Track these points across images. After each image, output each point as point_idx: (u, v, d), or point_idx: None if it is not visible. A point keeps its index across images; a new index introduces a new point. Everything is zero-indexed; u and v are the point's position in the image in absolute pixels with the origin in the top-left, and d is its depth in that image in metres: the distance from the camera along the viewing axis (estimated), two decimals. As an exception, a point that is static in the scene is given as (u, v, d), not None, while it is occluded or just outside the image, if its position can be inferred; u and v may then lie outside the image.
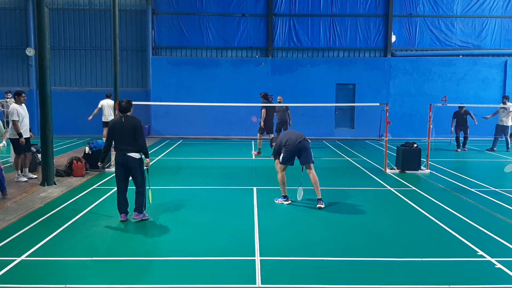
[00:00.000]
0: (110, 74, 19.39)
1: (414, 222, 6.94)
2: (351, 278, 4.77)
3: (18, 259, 5.19)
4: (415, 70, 20.08)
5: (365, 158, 13.47)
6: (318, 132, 18.51)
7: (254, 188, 9.07)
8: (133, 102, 13.27)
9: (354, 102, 19.79)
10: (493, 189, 9.20)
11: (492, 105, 16.45)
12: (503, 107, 14.75)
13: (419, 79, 20.11)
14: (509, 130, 15.05)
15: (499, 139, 15.32)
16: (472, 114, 15.44)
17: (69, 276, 4.76)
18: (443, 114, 15.67)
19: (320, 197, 7.62)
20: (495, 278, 4.81)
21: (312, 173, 7.66)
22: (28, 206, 7.54)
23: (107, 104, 15.43)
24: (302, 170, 7.86)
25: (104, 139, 15.10)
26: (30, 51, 19.43)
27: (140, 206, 6.74)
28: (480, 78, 20.06)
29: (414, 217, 7.17)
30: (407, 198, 8.36)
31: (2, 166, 8.13)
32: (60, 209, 7.47)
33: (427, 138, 11.47)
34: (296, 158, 7.68)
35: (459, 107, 15.50)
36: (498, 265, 5.11)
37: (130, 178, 6.84)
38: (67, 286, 4.52)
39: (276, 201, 7.93)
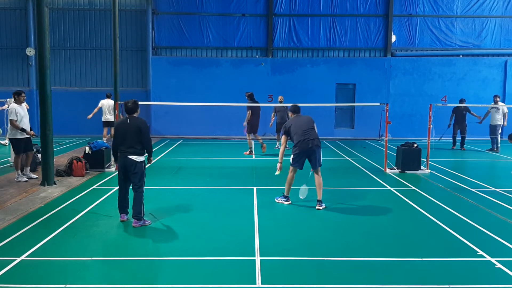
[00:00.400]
0: (110, 74, 19.38)
1: (414, 222, 6.94)
2: (351, 278, 4.77)
3: (18, 259, 5.19)
4: (415, 70, 20.08)
5: (365, 158, 13.47)
6: (318, 132, 18.26)
7: (254, 188, 9.07)
8: (133, 102, 13.23)
9: (354, 102, 19.78)
10: (493, 189, 9.20)
11: (484, 105, 16.37)
12: (495, 107, 14.65)
13: (419, 79, 20.11)
14: (500, 129, 14.89)
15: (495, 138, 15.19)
16: (471, 111, 15.43)
17: (69, 276, 4.76)
18: (443, 114, 15.69)
19: (321, 199, 7.62)
20: (495, 278, 4.81)
21: (318, 174, 7.67)
22: (28, 206, 7.54)
23: (107, 104, 15.43)
24: (311, 172, 7.83)
25: (104, 139, 15.16)
26: (30, 51, 19.43)
27: (138, 213, 6.51)
28: (480, 78, 20.06)
29: (414, 217, 7.17)
30: (407, 198, 8.36)
31: None
32: (60, 209, 7.47)
33: (427, 138, 11.47)
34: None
35: (460, 101, 15.47)
36: (498, 265, 5.11)
37: None
38: (67, 286, 4.52)
39: (277, 200, 7.94)
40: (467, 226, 6.66)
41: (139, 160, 6.48)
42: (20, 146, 9.57)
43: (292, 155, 7.67)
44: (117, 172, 10.54)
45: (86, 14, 20.29)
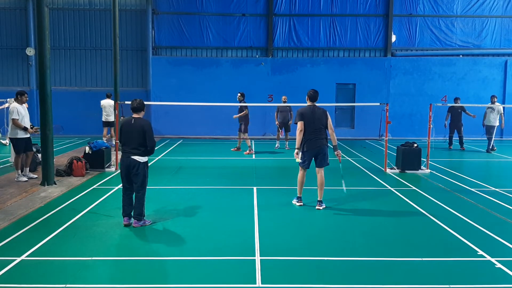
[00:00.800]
0: (110, 74, 19.39)
1: (414, 222, 6.93)
2: (351, 278, 4.77)
3: (18, 259, 5.19)
4: (415, 70, 20.08)
5: (365, 158, 13.47)
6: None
7: (254, 188, 9.07)
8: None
9: (354, 102, 19.78)
10: (493, 189, 9.20)
11: (481, 105, 16.33)
12: (491, 107, 14.58)
13: (419, 79, 20.10)
14: (494, 130, 14.78)
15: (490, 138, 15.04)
16: (466, 111, 15.41)
17: (69, 276, 4.76)
18: (443, 114, 15.71)
19: (321, 199, 7.62)
20: (495, 278, 4.81)
21: (321, 174, 7.64)
22: (28, 206, 7.54)
23: (107, 104, 15.44)
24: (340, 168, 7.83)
25: (104, 139, 15.17)
26: (30, 51, 19.44)
27: (139, 214, 6.50)
28: (480, 78, 20.05)
29: (414, 217, 7.17)
30: (407, 198, 8.35)
31: None
32: (60, 209, 7.47)
33: (427, 138, 11.47)
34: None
35: (455, 100, 15.45)
36: (498, 265, 5.11)
37: None
38: (67, 286, 4.52)
39: (293, 202, 7.89)
40: (467, 226, 6.66)
41: (142, 161, 6.41)
42: (20, 145, 9.57)
43: (300, 154, 7.59)
44: (117, 172, 10.61)
45: (86, 14, 20.29)
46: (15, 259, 5.18)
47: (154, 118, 19.54)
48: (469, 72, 20.03)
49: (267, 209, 7.53)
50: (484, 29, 20.16)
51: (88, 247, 5.64)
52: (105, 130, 15.93)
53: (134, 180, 6.46)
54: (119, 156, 11.91)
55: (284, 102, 14.69)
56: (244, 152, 14.40)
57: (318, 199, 7.61)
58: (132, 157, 6.38)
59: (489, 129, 14.72)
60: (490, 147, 14.78)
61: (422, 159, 11.17)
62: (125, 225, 6.51)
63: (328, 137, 7.72)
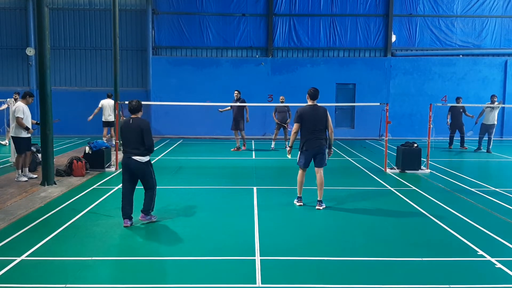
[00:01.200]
0: (110, 74, 19.38)
1: (414, 222, 6.93)
2: (351, 278, 4.77)
3: (18, 259, 5.19)
4: (415, 70, 20.08)
5: (365, 158, 13.47)
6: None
7: (254, 188, 9.07)
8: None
9: (354, 102, 19.78)
10: (493, 189, 9.20)
11: (479, 105, 16.33)
12: (490, 106, 14.52)
13: (419, 79, 20.11)
14: (494, 129, 14.73)
15: (483, 138, 14.95)
16: (467, 112, 15.41)
17: (69, 276, 4.76)
18: (443, 114, 15.70)
19: (321, 199, 7.61)
20: (495, 278, 4.81)
21: (320, 174, 7.62)
22: (28, 206, 7.54)
23: (107, 104, 15.43)
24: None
25: (104, 139, 15.16)
26: (30, 51, 19.44)
27: (147, 209, 6.60)
28: (480, 78, 20.06)
29: (414, 217, 7.17)
30: (407, 198, 8.35)
31: None
32: (60, 209, 7.47)
33: (427, 138, 11.47)
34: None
35: (456, 100, 15.40)
36: (498, 265, 5.11)
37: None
38: (67, 286, 4.52)
39: (294, 202, 7.89)
40: (467, 226, 6.66)
41: (143, 161, 6.44)
42: (23, 145, 9.57)
43: (298, 153, 7.63)
44: (117, 172, 10.62)
45: (86, 14, 20.29)
46: (15, 259, 5.18)
47: (154, 118, 19.55)
48: (469, 72, 20.04)
49: (267, 209, 7.53)
50: (484, 29, 20.16)
51: (88, 247, 5.64)
52: (105, 130, 15.92)
53: (143, 183, 6.59)
54: (120, 156, 11.93)
55: (282, 102, 14.69)
56: (232, 149, 14.72)
57: (318, 198, 7.61)
58: (133, 157, 6.40)
59: (488, 129, 14.67)
60: (486, 148, 14.75)
61: (422, 159, 11.17)
62: (125, 227, 6.49)
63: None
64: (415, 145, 11.19)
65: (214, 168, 11.84)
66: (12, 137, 9.76)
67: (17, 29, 20.20)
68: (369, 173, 10.98)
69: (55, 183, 9.22)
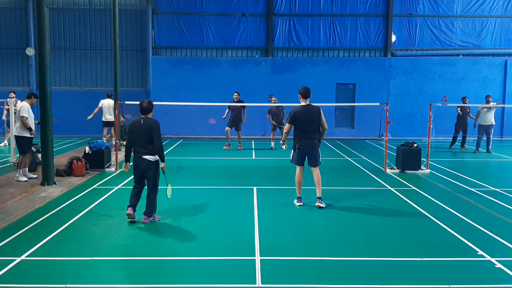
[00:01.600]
0: (110, 74, 19.39)
1: (414, 221, 6.93)
2: (351, 278, 4.77)
3: (18, 259, 5.19)
4: (415, 70, 20.08)
5: (365, 158, 13.47)
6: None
7: (254, 188, 9.07)
8: (133, 102, 13.29)
9: (354, 102, 19.79)
10: (493, 189, 9.20)
11: (473, 105, 16.29)
12: (486, 107, 14.47)
13: (419, 79, 20.11)
14: (492, 129, 14.63)
15: (482, 138, 14.86)
16: (470, 114, 15.39)
17: (69, 276, 4.76)
18: (443, 114, 15.70)
19: (320, 196, 7.63)
20: (495, 278, 4.81)
21: (316, 172, 7.68)
22: (28, 206, 7.54)
23: (107, 104, 15.43)
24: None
25: (104, 139, 15.17)
26: (30, 51, 19.44)
27: (149, 211, 6.66)
28: (480, 78, 20.06)
29: (414, 217, 7.17)
30: (407, 198, 8.35)
31: None
32: (60, 209, 7.47)
33: (427, 138, 11.47)
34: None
35: (463, 99, 15.31)
36: (498, 265, 5.11)
37: None
38: (67, 286, 4.52)
39: (294, 202, 7.91)
40: (467, 226, 6.66)
41: (153, 160, 6.57)
42: (27, 144, 9.56)
43: (292, 152, 7.72)
44: (117, 172, 10.65)
45: (86, 14, 20.29)
46: (15, 259, 5.18)
47: (154, 118, 19.52)
48: (469, 72, 20.04)
49: (267, 209, 7.53)
50: (484, 29, 20.16)
51: (88, 247, 5.64)
52: (105, 130, 15.93)
53: (147, 180, 6.66)
54: (119, 156, 11.93)
55: (275, 102, 14.72)
56: (224, 147, 14.92)
57: (318, 195, 7.64)
58: (144, 157, 6.53)
59: (487, 129, 14.60)
60: (477, 148, 14.67)
61: (422, 159, 11.17)
62: (128, 214, 6.61)
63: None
64: (415, 145, 11.19)
65: (214, 168, 11.84)
66: (16, 136, 9.74)
67: (17, 29, 20.20)
68: (369, 173, 10.98)
69: (55, 183, 9.22)
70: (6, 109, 14.46)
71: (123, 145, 15.22)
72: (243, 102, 14.54)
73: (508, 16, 20.11)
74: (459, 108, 15.33)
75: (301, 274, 4.85)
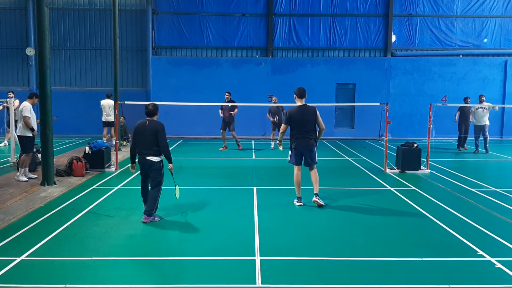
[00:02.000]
0: (110, 74, 19.39)
1: (414, 222, 6.93)
2: (351, 278, 4.77)
3: (18, 259, 5.19)
4: (415, 70, 20.08)
5: (365, 158, 13.47)
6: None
7: (254, 188, 9.07)
8: (133, 102, 13.29)
9: (354, 102, 19.78)
10: (493, 189, 9.20)
11: (469, 105, 16.28)
12: (481, 107, 14.36)
13: (419, 79, 20.11)
14: (487, 129, 14.55)
15: (480, 138, 14.80)
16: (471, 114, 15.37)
17: (69, 276, 4.76)
18: (443, 114, 15.70)
19: (317, 192, 7.65)
20: (495, 278, 4.81)
21: (314, 171, 7.74)
22: (28, 206, 7.54)
23: (107, 104, 15.44)
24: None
25: (104, 139, 15.18)
26: (30, 51, 19.44)
27: (150, 209, 6.71)
28: (480, 78, 20.06)
29: (414, 217, 7.17)
30: (407, 198, 8.35)
31: None
32: (60, 209, 7.47)
33: (427, 138, 11.47)
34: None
35: (464, 100, 15.26)
36: (498, 265, 5.11)
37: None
38: (67, 286, 4.52)
39: (294, 202, 7.91)
40: (467, 226, 6.66)
41: (156, 161, 6.69)
42: (29, 144, 9.55)
43: (289, 152, 7.77)
44: (117, 172, 10.66)
45: (86, 14, 20.29)
46: (15, 259, 5.18)
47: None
48: (469, 72, 20.04)
49: (267, 209, 7.53)
50: (484, 29, 20.16)
51: (88, 247, 5.64)
52: (105, 130, 15.93)
53: (151, 179, 6.80)
54: (119, 156, 11.94)
55: (275, 102, 14.73)
56: (220, 148, 14.89)
57: (315, 192, 7.68)
58: (147, 157, 6.65)
59: (484, 129, 14.50)
60: (483, 149, 14.62)
61: (422, 159, 11.17)
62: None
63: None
64: (415, 145, 11.19)
65: (214, 168, 11.84)
66: (18, 136, 9.74)
67: (17, 29, 20.20)
68: (369, 173, 10.98)
69: (55, 183, 9.22)
70: (4, 106, 14.37)
71: (123, 145, 15.25)
72: (234, 102, 14.50)
73: (508, 16, 20.12)
74: (457, 114, 15.28)
75: (301, 274, 4.85)
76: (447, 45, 20.26)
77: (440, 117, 15.32)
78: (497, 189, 9.13)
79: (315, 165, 7.74)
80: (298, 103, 7.68)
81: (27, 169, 9.88)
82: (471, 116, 15.02)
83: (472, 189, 9.17)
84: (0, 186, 9.05)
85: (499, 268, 5.05)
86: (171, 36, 20.18)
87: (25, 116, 9.41)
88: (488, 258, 5.33)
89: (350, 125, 20.35)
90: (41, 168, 9.43)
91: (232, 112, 14.52)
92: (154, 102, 7.08)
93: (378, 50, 20.30)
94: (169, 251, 5.61)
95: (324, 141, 17.78)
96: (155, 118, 6.86)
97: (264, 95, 19.48)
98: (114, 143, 13.26)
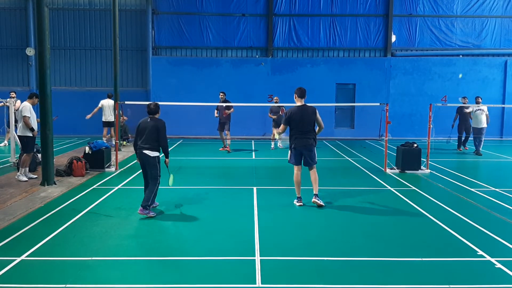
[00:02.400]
0: (110, 74, 19.40)
1: (414, 222, 6.93)
2: (351, 278, 4.77)
3: (18, 259, 5.19)
4: (415, 70, 20.09)
5: (365, 158, 13.47)
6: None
7: (254, 188, 9.07)
8: (133, 102, 13.29)
9: (354, 102, 19.79)
10: (493, 189, 9.20)
11: (470, 105, 16.23)
12: (479, 109, 14.25)
13: (419, 79, 20.12)
14: (485, 131, 14.43)
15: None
16: (471, 114, 15.31)
17: (69, 276, 4.76)
18: (443, 114, 15.68)
19: (317, 193, 7.65)
20: (495, 278, 4.81)
21: (313, 171, 7.74)
22: (28, 206, 7.54)
23: (107, 104, 15.42)
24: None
25: (104, 139, 15.17)
26: (30, 51, 19.44)
27: (146, 201, 6.92)
28: (480, 78, 20.06)
29: (414, 217, 7.17)
30: (407, 198, 8.35)
31: None
32: (60, 209, 7.47)
33: (427, 138, 11.47)
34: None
35: (462, 100, 15.20)
36: (498, 265, 5.11)
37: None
38: (67, 286, 4.52)
39: (294, 202, 7.91)
40: (467, 226, 6.66)
41: (151, 155, 6.97)
42: (30, 144, 9.55)
43: (289, 152, 7.78)
44: (117, 172, 10.66)
45: (86, 14, 20.29)
46: (15, 259, 5.18)
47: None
48: (469, 72, 20.04)
49: (267, 209, 7.53)
50: (484, 29, 20.17)
51: (88, 247, 5.64)
52: (105, 130, 15.92)
53: (148, 174, 7.08)
54: (119, 156, 11.93)
55: (276, 102, 14.73)
56: (220, 149, 14.86)
57: (314, 192, 7.68)
58: (144, 151, 6.95)
59: (481, 131, 14.31)
60: (478, 151, 14.55)
61: (422, 159, 11.17)
62: (152, 207, 7.21)
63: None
64: (415, 145, 11.19)
65: (214, 168, 11.84)
66: (19, 136, 9.74)
67: (17, 29, 20.20)
68: (369, 173, 10.98)
69: (55, 183, 9.22)
70: (4, 104, 14.31)
71: (123, 145, 15.25)
72: (229, 101, 14.46)
73: (508, 16, 20.12)
74: (457, 117, 15.22)
75: (301, 274, 4.85)
76: (447, 45, 20.26)
77: (440, 117, 15.30)
78: (497, 189, 9.13)
79: (314, 165, 7.74)
80: (298, 103, 7.69)
81: (27, 169, 9.88)
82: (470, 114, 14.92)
83: (472, 189, 9.17)
84: (0, 186, 9.05)
85: (499, 268, 5.05)
86: (171, 36, 20.18)
87: (25, 116, 9.41)
88: (488, 258, 5.33)
89: (350, 125, 20.35)
90: (41, 168, 9.43)
91: (228, 111, 14.45)
92: (156, 102, 7.37)
93: (378, 50, 20.31)
94: (169, 251, 5.61)
95: (324, 141, 17.77)
96: (157, 116, 7.14)
97: (264, 95, 19.50)
98: (114, 143, 13.26)
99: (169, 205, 7.70)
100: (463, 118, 15.22)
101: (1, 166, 11.65)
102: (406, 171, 11.00)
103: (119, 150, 12.74)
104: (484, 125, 14.32)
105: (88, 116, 15.71)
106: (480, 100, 14.60)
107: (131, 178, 10.05)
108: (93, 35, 20.39)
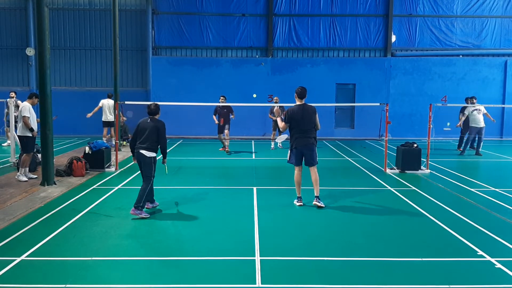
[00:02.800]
0: (110, 74, 19.40)
1: (414, 222, 6.93)
2: (351, 278, 4.77)
3: (18, 259, 5.19)
4: (415, 70, 20.09)
5: (365, 158, 13.47)
6: (318, 132, 18.39)
7: (254, 188, 9.07)
8: (133, 102, 13.29)
9: (354, 102, 19.79)
10: (493, 189, 9.20)
11: (468, 105, 16.16)
12: (476, 109, 14.13)
13: (419, 79, 20.12)
14: (484, 131, 14.29)
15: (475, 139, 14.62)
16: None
17: (69, 276, 4.76)
18: (443, 114, 15.68)
19: (318, 195, 7.65)
20: (495, 278, 4.81)
21: (314, 171, 7.72)
22: (28, 206, 7.54)
23: (107, 104, 15.42)
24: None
25: (104, 139, 15.17)
26: (30, 51, 19.44)
27: (138, 202, 6.91)
28: (480, 78, 20.06)
29: (414, 217, 7.17)
30: (407, 198, 8.35)
31: None
32: (60, 209, 7.47)
33: (427, 138, 11.47)
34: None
35: (466, 100, 15.10)
36: (498, 265, 5.11)
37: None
38: (67, 286, 4.52)
39: (294, 202, 7.91)
40: (467, 226, 6.66)
41: (147, 155, 7.02)
42: (30, 144, 9.54)
43: (288, 152, 7.78)
44: (117, 172, 10.66)
45: (86, 14, 20.29)
46: (15, 259, 5.18)
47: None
48: (469, 72, 20.05)
49: (267, 209, 7.53)
50: (484, 29, 20.17)
51: (88, 247, 5.64)
52: (105, 130, 15.92)
53: (142, 172, 7.15)
54: (119, 156, 11.93)
55: (276, 102, 14.71)
56: (220, 149, 14.84)
57: (315, 194, 7.66)
58: (141, 151, 7.02)
59: (480, 131, 14.21)
60: (477, 151, 14.46)
61: (422, 159, 11.17)
62: (146, 208, 7.26)
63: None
64: (415, 145, 11.19)
65: (214, 168, 11.84)
66: (18, 136, 9.74)
67: (17, 29, 20.20)
68: (369, 173, 10.98)
69: (55, 183, 9.22)
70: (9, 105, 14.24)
71: (123, 145, 15.24)
72: (230, 107, 14.35)
73: (508, 16, 20.12)
74: (462, 118, 15.07)
75: (301, 274, 4.85)
76: (447, 45, 20.26)
77: (440, 117, 15.31)
78: (497, 189, 9.13)
79: (315, 165, 7.73)
80: (298, 102, 7.71)
81: (27, 169, 9.88)
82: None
83: (472, 189, 9.17)
84: (0, 186, 9.05)
85: (499, 268, 5.05)
86: (171, 36, 20.18)
87: (24, 116, 9.41)
88: (488, 258, 5.33)
89: (350, 125, 20.35)
90: (41, 168, 9.43)
91: (231, 116, 14.43)
92: (156, 102, 7.39)
93: (378, 50, 20.31)
94: (169, 251, 5.61)
95: (324, 141, 17.77)
96: (157, 117, 7.18)
97: (264, 95, 19.49)
98: (114, 143, 13.25)
99: (169, 205, 7.71)
100: (467, 119, 14.96)
101: (1, 166, 11.65)
102: (406, 171, 11.00)
103: (119, 150, 12.74)
104: (483, 124, 14.26)
105: (89, 115, 15.73)
106: (474, 100, 14.54)
107: (131, 178, 10.06)
108: (93, 35, 20.39)
